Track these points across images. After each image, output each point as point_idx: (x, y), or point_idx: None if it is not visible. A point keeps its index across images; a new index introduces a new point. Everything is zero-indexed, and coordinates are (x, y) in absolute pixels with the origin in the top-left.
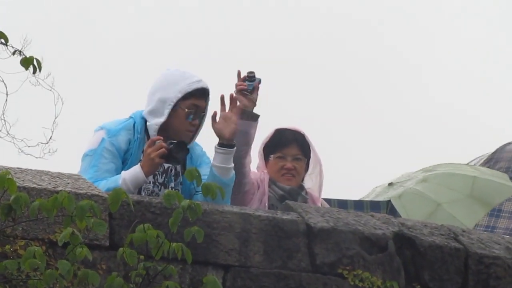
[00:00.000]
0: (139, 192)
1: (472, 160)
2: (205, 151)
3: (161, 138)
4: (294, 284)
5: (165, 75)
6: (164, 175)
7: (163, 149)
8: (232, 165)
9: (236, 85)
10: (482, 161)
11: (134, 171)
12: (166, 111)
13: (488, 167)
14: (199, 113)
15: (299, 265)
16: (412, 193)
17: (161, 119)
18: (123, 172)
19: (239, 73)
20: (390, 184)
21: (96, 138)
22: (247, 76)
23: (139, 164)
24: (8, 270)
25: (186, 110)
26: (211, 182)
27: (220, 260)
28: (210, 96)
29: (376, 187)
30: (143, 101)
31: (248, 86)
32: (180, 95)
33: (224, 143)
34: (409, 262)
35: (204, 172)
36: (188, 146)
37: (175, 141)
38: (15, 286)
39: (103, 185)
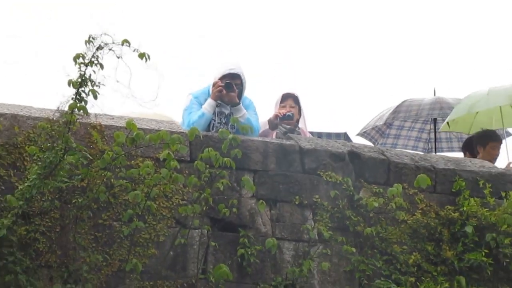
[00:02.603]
0: (213, 129)
1: (382, 111)
2: (252, 101)
3: (220, 81)
4: (293, 180)
5: (220, 63)
6: (226, 118)
7: (220, 87)
8: (241, 114)
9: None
10: (389, 113)
11: (208, 101)
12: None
13: (392, 117)
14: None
15: (296, 169)
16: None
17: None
18: (202, 105)
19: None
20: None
21: (187, 99)
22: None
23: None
24: (133, 174)
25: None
26: (246, 124)
27: (251, 167)
28: (247, 80)
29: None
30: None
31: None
32: (219, 76)
33: (232, 105)
34: (357, 167)
35: (248, 115)
36: (238, 105)
37: (225, 83)
38: (137, 183)
39: (194, 115)
